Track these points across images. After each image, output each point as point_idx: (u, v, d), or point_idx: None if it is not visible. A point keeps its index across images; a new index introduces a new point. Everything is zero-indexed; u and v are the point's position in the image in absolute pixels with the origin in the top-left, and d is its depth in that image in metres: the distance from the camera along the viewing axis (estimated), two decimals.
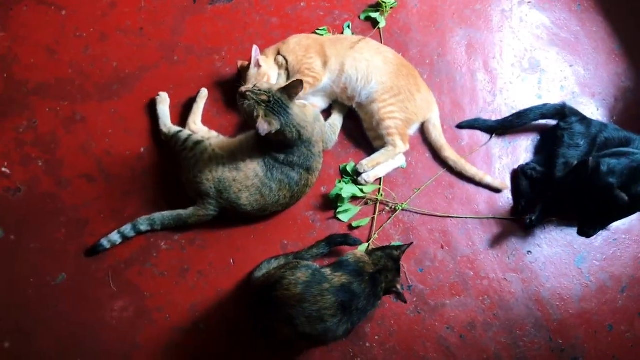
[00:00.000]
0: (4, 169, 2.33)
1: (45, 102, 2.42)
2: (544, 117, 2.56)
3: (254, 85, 2.11)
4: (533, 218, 2.39)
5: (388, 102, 2.38)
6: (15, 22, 2.49)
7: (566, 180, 2.33)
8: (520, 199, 2.49)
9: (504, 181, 2.53)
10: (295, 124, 2.13)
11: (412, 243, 2.30)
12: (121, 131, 2.42)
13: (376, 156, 2.42)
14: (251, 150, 2.25)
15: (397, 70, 2.42)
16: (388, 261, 2.13)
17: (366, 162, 2.40)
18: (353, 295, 1.99)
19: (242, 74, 2.42)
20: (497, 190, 2.51)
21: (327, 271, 2.04)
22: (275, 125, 2.05)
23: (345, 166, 2.45)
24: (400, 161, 2.47)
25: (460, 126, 2.57)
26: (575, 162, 2.36)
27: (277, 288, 1.96)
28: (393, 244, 2.34)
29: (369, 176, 2.40)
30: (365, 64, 2.40)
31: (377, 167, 2.42)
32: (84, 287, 2.24)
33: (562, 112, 2.51)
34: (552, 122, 2.57)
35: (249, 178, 2.20)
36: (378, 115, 2.39)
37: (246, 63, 2.39)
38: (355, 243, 2.32)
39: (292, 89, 2.09)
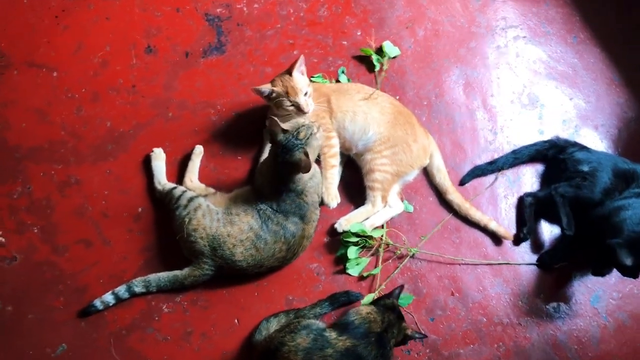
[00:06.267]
0: None
1: (39, 166, 2.37)
2: (539, 152, 2.54)
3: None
4: (524, 231, 2.42)
5: (382, 154, 2.34)
6: (6, 87, 2.45)
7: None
8: (523, 227, 2.45)
9: (510, 226, 2.48)
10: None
11: (402, 286, 2.20)
12: (117, 192, 2.37)
13: (354, 215, 2.37)
14: (246, 202, 2.21)
15: (394, 119, 2.38)
16: (390, 314, 2.04)
17: (344, 222, 2.35)
18: (359, 359, 1.91)
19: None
20: (500, 239, 2.45)
21: (332, 335, 1.95)
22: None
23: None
24: (397, 210, 2.41)
25: (463, 182, 2.52)
26: (583, 190, 2.36)
27: (277, 356, 1.89)
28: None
29: (364, 226, 2.34)
30: (362, 116, 2.35)
31: (373, 217, 2.36)
32: (85, 357, 2.16)
33: (556, 145, 2.52)
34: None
35: (243, 232, 2.14)
36: (369, 165, 2.35)
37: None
38: (358, 299, 2.26)
39: None
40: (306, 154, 2.04)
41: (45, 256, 2.27)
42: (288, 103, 2.24)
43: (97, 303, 2.19)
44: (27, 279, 2.23)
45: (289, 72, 2.25)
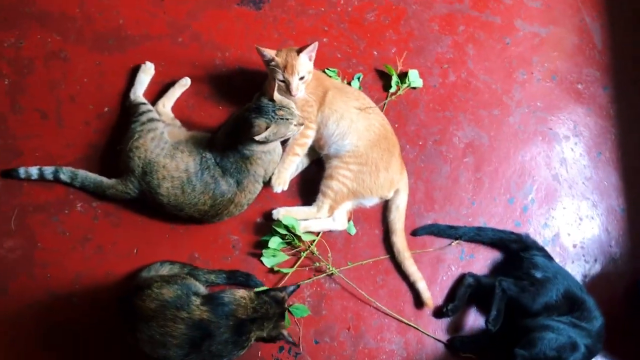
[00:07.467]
0: None
1: (41, 29, 2.41)
2: (502, 241, 2.41)
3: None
4: (450, 307, 2.29)
5: (349, 167, 2.27)
6: None
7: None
8: (450, 302, 2.32)
9: (439, 296, 2.37)
10: None
11: (298, 285, 2.11)
12: (95, 85, 2.38)
13: (295, 210, 2.30)
14: (195, 145, 2.20)
15: (376, 140, 2.30)
16: (271, 307, 1.93)
17: (283, 212, 2.28)
18: (207, 335, 1.81)
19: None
20: (420, 304, 2.33)
21: (197, 301, 1.88)
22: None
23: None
24: (339, 225, 2.32)
25: (415, 233, 2.41)
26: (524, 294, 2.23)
27: (137, 295, 1.85)
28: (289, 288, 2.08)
29: (299, 224, 2.27)
30: (348, 122, 2.29)
31: (312, 220, 2.29)
32: None
33: (522, 241, 2.39)
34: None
35: (178, 169, 2.13)
36: (331, 171, 2.28)
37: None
38: (256, 285, 2.19)
39: None
40: (266, 127, 2.02)
41: (1, 108, 2.30)
42: (281, 77, 2.19)
43: (21, 171, 2.21)
44: None
45: (299, 51, 2.21)
